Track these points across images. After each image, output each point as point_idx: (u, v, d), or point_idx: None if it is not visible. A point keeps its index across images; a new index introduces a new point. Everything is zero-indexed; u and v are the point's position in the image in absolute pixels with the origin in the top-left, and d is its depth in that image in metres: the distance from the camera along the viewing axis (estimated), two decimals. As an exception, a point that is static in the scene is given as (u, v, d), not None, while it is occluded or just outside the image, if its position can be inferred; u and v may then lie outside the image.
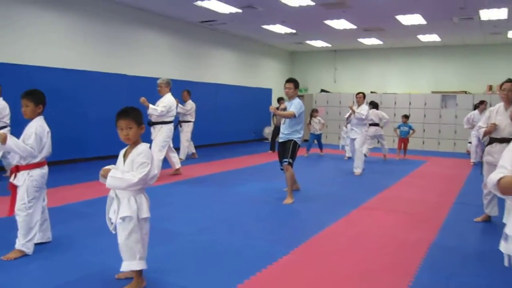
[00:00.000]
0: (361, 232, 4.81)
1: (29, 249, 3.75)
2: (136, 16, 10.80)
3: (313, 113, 12.12)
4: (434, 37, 13.45)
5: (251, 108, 15.25)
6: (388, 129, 14.05)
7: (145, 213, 3.07)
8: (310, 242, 4.38)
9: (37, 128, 3.74)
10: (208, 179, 7.82)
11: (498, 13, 10.02)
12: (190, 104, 10.08)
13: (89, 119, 9.41)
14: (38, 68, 8.47)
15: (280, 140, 6.33)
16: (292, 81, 6.23)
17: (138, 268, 3.07)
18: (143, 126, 3.11)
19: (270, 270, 3.58)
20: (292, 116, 6.03)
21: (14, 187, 3.77)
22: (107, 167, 3.04)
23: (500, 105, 4.83)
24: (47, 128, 3.85)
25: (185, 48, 12.53)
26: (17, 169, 3.75)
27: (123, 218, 2.99)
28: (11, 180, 3.78)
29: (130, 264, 3.04)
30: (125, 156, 3.10)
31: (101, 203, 5.47)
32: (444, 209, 5.89)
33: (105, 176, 2.96)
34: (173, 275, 3.41)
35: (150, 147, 3.17)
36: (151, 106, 7.34)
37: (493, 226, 5.05)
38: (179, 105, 9.62)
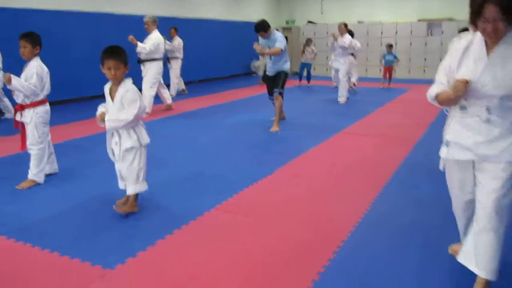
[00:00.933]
0: (340, 153, 5.25)
1: (40, 178, 4.16)
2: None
3: (308, 42, 12.35)
4: (420, -37, 13.33)
5: (238, 43, 15.25)
6: (375, 59, 14.29)
7: (146, 139, 3.44)
8: (292, 163, 4.82)
9: (38, 68, 4.01)
10: (199, 113, 8.16)
11: None
12: (178, 41, 10.20)
13: (76, 60, 9.51)
14: (20, 10, 8.47)
15: (270, 74, 6.59)
16: (260, 29, 6.35)
17: (142, 189, 3.48)
18: (128, 66, 3.35)
19: (250, 189, 4.03)
20: (280, 51, 6.26)
21: (22, 125, 4.09)
22: (100, 111, 3.32)
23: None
24: (46, 68, 4.11)
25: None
26: (22, 107, 4.05)
27: (127, 149, 3.35)
28: (17, 118, 4.09)
29: (135, 187, 3.43)
30: (111, 94, 3.36)
31: (96, 138, 5.92)
32: (419, 132, 6.31)
33: (102, 120, 3.26)
34: (163, 197, 3.84)
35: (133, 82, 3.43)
36: (139, 44, 7.52)
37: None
38: (167, 41, 9.74)
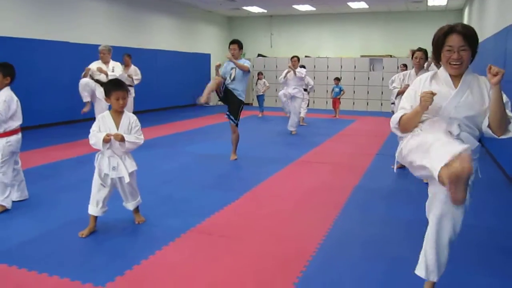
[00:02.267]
0: (297, 180, 5.65)
1: (8, 204, 4.21)
2: (75, -17, 10.81)
3: (259, 75, 13.00)
4: (362, 4, 14.38)
5: (190, 73, 15.64)
6: (321, 92, 15.07)
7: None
8: (256, 189, 5.16)
9: (7, 97, 4.11)
10: (157, 141, 8.35)
11: (417, -16, 11.03)
12: (134, 69, 10.35)
13: (34, 87, 9.52)
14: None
15: (229, 87, 6.49)
16: (236, 42, 6.64)
17: (141, 201, 3.96)
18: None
19: (221, 212, 4.32)
20: (247, 69, 6.46)
21: None
22: (114, 133, 3.56)
23: (411, 70, 5.76)
24: (15, 98, 4.21)
25: (124, 14, 12.63)
26: None
27: (132, 172, 3.75)
28: None
29: (138, 201, 3.93)
30: (115, 121, 3.63)
31: (58, 167, 5.98)
32: (368, 160, 6.86)
33: (119, 139, 3.53)
34: (146, 219, 4.04)
35: None
36: (110, 73, 7.67)
37: (407, 171, 6.05)
38: (133, 77, 9.91)
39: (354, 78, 15.61)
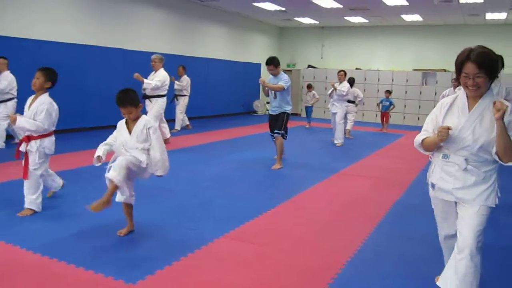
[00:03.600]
0: (337, 192, 5.60)
1: (38, 207, 4.32)
2: (133, -8, 11.29)
3: (308, 88, 13.11)
4: (416, 17, 14.10)
5: (240, 82, 15.88)
6: (371, 105, 14.85)
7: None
8: (294, 198, 5.17)
9: (49, 105, 4.23)
10: (203, 147, 8.54)
11: (475, -3, 10.73)
12: (186, 80, 10.72)
13: (88, 91, 9.99)
14: (41, 42, 9.02)
15: (272, 113, 6.91)
16: (270, 63, 6.74)
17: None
18: (141, 105, 3.76)
19: (256, 219, 4.36)
20: (282, 89, 6.63)
21: (26, 154, 4.25)
22: (97, 154, 3.72)
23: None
24: (55, 105, 4.33)
25: (178, 24, 13.03)
26: (29, 139, 4.23)
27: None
28: (21, 148, 4.28)
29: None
30: (128, 127, 3.74)
31: (96, 169, 6.23)
32: (412, 176, 6.70)
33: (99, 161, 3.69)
34: (174, 223, 4.16)
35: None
36: (145, 80, 7.99)
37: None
38: (175, 81, 10.28)
39: (406, 92, 15.28)
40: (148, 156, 3.69)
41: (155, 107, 8.17)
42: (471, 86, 2.48)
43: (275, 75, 6.80)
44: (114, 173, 3.53)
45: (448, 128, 2.50)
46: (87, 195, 4.90)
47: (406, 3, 11.96)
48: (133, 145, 3.69)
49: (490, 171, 2.57)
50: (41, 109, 4.19)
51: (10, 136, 8.11)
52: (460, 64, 2.50)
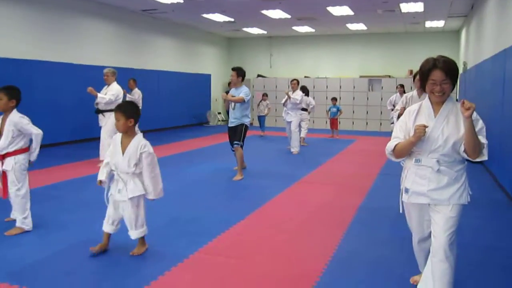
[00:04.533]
0: (301, 200, 5.68)
1: (27, 226, 4.23)
2: (80, 6, 10.97)
3: (263, 97, 13.26)
4: (361, 26, 14.61)
5: (191, 94, 15.79)
6: (321, 112, 15.19)
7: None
8: (260, 209, 5.19)
9: (25, 119, 4.28)
10: (160, 161, 8.28)
11: (415, 6, 11.26)
12: (137, 93, 10.52)
13: (37, 107, 9.59)
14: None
15: (231, 125, 6.99)
16: (235, 70, 6.92)
17: (146, 233, 3.79)
18: (131, 120, 3.60)
19: (227, 233, 4.35)
20: (242, 101, 6.71)
21: (4, 173, 4.17)
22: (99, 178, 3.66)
23: (414, 92, 5.84)
24: (24, 121, 4.30)
25: (127, 36, 12.81)
26: (3, 156, 4.15)
27: (133, 198, 3.64)
28: None
29: (140, 231, 3.74)
30: (122, 145, 3.63)
31: (62, 187, 6.03)
32: (370, 180, 6.91)
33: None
34: (154, 240, 4.07)
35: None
36: (99, 94, 7.79)
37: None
38: (127, 94, 10.04)
39: (353, 98, 15.76)
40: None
41: (109, 121, 7.96)
42: (437, 92, 2.62)
43: (236, 87, 6.86)
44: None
45: (425, 126, 2.60)
46: (52, 216, 4.73)
47: (351, 13, 12.37)
48: (125, 169, 3.60)
49: (461, 170, 2.70)
50: (26, 124, 4.25)
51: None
52: (427, 71, 2.63)
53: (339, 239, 4.18)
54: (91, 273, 3.40)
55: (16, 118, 4.20)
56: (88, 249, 3.78)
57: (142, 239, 3.80)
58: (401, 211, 2.99)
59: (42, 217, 4.68)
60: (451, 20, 13.27)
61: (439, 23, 13.74)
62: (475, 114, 2.56)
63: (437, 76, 2.59)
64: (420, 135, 2.61)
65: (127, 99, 10.03)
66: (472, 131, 2.52)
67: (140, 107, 10.53)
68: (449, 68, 2.59)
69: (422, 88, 2.75)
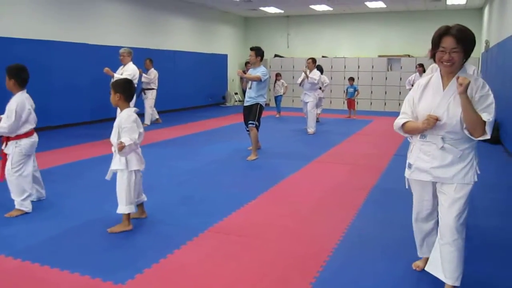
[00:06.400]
0: (315, 180, 5.65)
1: (27, 207, 4.20)
2: (94, -15, 10.97)
3: (277, 77, 13.08)
4: (380, 4, 14.27)
5: (207, 74, 15.73)
6: (338, 92, 15.04)
7: (134, 166, 3.76)
8: (273, 189, 5.18)
9: (18, 105, 4.07)
10: (176, 141, 8.44)
11: (436, -17, 10.93)
12: (153, 73, 10.54)
13: (54, 88, 9.69)
14: (2, 39, 8.65)
15: (246, 104, 6.96)
16: (254, 49, 6.88)
17: (126, 212, 3.76)
18: (118, 95, 3.71)
19: (238, 212, 4.35)
20: (258, 79, 6.65)
21: (5, 155, 4.18)
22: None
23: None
24: (27, 105, 4.15)
25: (143, 16, 12.76)
26: (8, 138, 4.15)
27: (115, 171, 3.73)
28: (2, 148, 4.21)
29: (121, 207, 3.75)
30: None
31: (78, 166, 6.10)
32: (385, 160, 6.83)
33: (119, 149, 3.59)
34: (158, 219, 4.10)
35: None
36: (115, 75, 7.80)
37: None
38: (143, 74, 10.07)
39: (372, 78, 15.51)
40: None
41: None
42: (446, 61, 2.50)
43: (254, 67, 6.83)
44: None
45: (436, 119, 2.51)
46: (67, 194, 4.80)
47: (370, -10, 12.08)
48: (113, 141, 3.70)
49: (467, 149, 2.59)
50: (11, 110, 4.06)
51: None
52: (437, 38, 2.51)
53: (351, 219, 4.14)
54: (103, 250, 3.43)
55: (15, 100, 4.11)
56: (100, 227, 3.83)
57: (125, 217, 3.78)
58: (406, 187, 2.95)
59: (56, 196, 4.75)
60: (474, -3, 12.88)
61: (461, 1, 13.32)
62: (486, 89, 2.46)
63: (448, 43, 2.46)
64: (428, 127, 2.53)
65: (143, 79, 10.10)
66: (467, 108, 2.40)
67: (156, 88, 10.60)
68: (462, 36, 2.45)
69: (432, 59, 2.62)
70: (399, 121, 2.73)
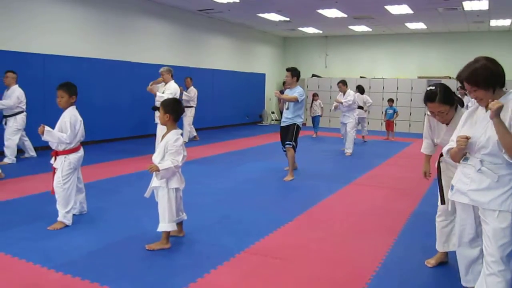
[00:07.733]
0: (352, 203, 5.57)
1: (69, 220, 4.35)
2: (138, 5, 11.34)
3: (314, 97, 13.11)
4: (420, 25, 14.14)
5: (245, 93, 15.90)
6: (377, 113, 14.86)
7: (174, 184, 3.82)
8: (310, 211, 5.14)
9: (71, 118, 4.31)
10: (213, 159, 8.52)
11: (480, 4, 10.74)
12: (193, 91, 10.75)
13: (95, 105, 10.00)
14: (48, 56, 9.05)
15: (283, 124, 6.98)
16: (290, 70, 6.91)
17: (167, 229, 3.81)
18: (168, 115, 3.78)
19: (275, 233, 4.34)
20: (295, 100, 6.68)
21: (54, 168, 4.38)
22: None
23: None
24: (79, 118, 4.40)
25: (183, 36, 13.09)
26: (56, 153, 4.35)
27: (155, 188, 3.81)
28: (51, 162, 4.40)
29: (161, 225, 3.80)
30: (162, 138, 3.86)
31: (118, 181, 6.23)
32: (425, 185, 6.65)
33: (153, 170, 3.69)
34: (195, 239, 4.13)
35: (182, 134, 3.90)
36: (158, 93, 7.97)
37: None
38: (184, 92, 10.28)
39: (411, 99, 15.27)
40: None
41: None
42: (474, 99, 2.66)
43: (291, 87, 6.86)
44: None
45: (467, 138, 2.59)
46: (106, 209, 4.91)
47: (411, 12, 12.00)
48: (155, 160, 3.78)
49: (508, 176, 2.54)
50: (65, 123, 4.28)
51: (20, 151, 8.12)
52: (461, 83, 2.67)
53: (390, 245, 4.06)
54: (142, 267, 3.48)
55: (68, 114, 4.33)
56: (139, 244, 3.89)
57: (165, 235, 3.83)
58: (449, 209, 3.05)
59: (97, 210, 4.87)
60: (519, 18, 12.58)
61: (505, 22, 13.04)
62: None
63: (467, 86, 2.59)
64: (461, 147, 2.62)
65: (184, 97, 10.29)
66: (499, 131, 2.44)
67: (195, 105, 10.77)
68: (470, 79, 2.57)
69: (462, 89, 2.75)
70: (446, 147, 2.84)
